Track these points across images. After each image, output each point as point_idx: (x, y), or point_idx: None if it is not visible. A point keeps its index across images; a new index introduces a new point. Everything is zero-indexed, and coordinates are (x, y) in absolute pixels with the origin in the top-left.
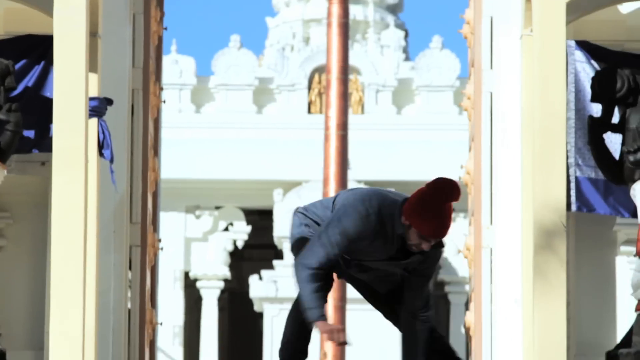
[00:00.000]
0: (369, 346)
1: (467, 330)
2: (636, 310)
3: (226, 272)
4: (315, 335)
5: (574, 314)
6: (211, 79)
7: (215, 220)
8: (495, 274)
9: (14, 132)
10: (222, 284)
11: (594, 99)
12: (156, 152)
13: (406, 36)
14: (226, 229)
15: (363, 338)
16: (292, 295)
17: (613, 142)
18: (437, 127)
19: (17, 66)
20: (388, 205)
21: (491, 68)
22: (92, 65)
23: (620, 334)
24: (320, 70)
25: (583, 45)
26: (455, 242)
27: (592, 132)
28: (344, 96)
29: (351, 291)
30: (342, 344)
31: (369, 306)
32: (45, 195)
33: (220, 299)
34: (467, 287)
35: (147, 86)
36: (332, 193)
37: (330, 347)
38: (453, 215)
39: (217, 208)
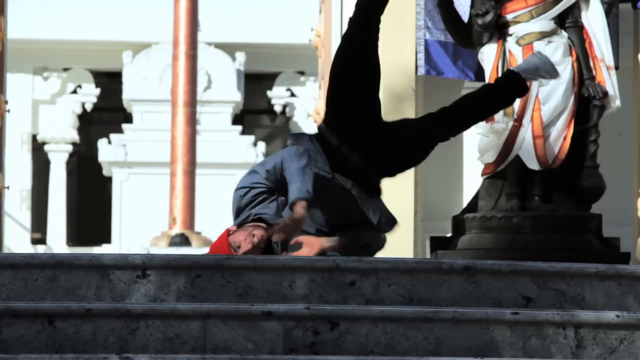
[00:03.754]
0: (218, 211)
1: None
2: (482, 175)
3: (74, 136)
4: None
5: (421, 179)
6: None
7: (64, 82)
8: None
9: None
10: (70, 148)
11: None
12: (2, 11)
13: None
14: (74, 92)
15: (211, 202)
16: (141, 159)
17: (462, 4)
18: None
19: None
20: None
21: None
22: None
23: (467, 198)
24: None
25: None
26: (305, 106)
27: None
28: None
29: (201, 155)
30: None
31: (219, 170)
32: None
33: (68, 163)
34: None
35: None
36: (182, 55)
37: (179, 212)
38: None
39: (65, 70)
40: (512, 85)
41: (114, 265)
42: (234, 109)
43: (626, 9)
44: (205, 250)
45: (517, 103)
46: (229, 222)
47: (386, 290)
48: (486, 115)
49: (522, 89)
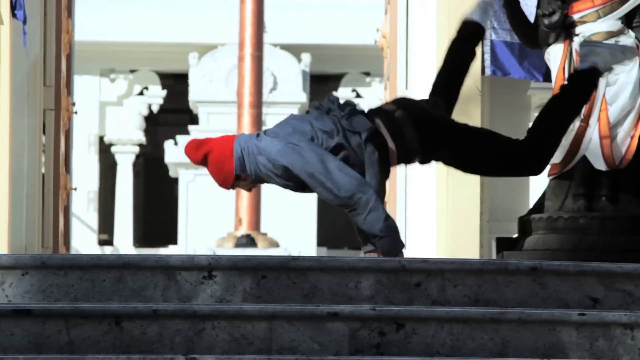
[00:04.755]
0: (283, 212)
1: None
2: (549, 175)
3: (141, 137)
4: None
5: (487, 180)
6: None
7: (130, 84)
8: None
9: None
10: (137, 149)
11: None
12: (70, 13)
13: None
14: (141, 93)
15: (277, 203)
16: None
17: (528, 4)
18: None
19: None
20: None
21: None
22: None
23: (533, 199)
24: None
25: None
26: (371, 106)
27: None
28: None
29: None
30: None
31: None
32: None
33: (135, 164)
34: None
35: None
36: (248, 57)
37: (245, 214)
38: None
39: (132, 71)
40: (586, 77)
41: (180, 266)
42: (300, 110)
43: None
44: (270, 251)
45: None
46: (294, 223)
47: (452, 291)
48: (573, 113)
49: (594, 77)
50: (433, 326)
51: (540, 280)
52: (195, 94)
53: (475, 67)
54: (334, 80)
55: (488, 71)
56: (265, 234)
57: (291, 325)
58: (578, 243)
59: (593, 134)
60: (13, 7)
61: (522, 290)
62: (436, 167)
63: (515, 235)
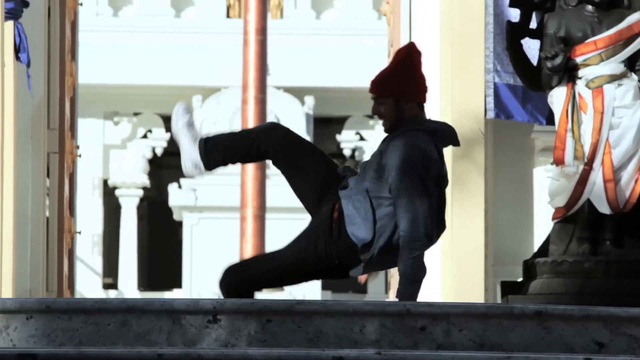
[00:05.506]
0: None
1: None
2: (553, 219)
3: (145, 180)
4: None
5: (491, 223)
6: None
7: (134, 127)
8: None
9: None
10: (141, 192)
11: (512, 4)
12: (73, 57)
13: None
14: (145, 136)
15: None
16: (211, 203)
17: (531, 48)
18: (356, 32)
19: None
20: None
21: None
22: None
23: (537, 243)
24: None
25: None
26: (375, 149)
27: (510, 37)
28: (263, 0)
29: (271, 199)
30: None
31: (289, 215)
32: None
33: (139, 208)
34: None
35: None
36: (251, 99)
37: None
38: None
39: (136, 114)
40: None
41: (185, 310)
42: None
43: None
44: (275, 295)
45: (588, 146)
46: None
47: (457, 335)
48: None
49: None
50: None
51: (545, 324)
52: None
53: (478, 109)
54: (338, 123)
55: (491, 114)
56: None
57: None
58: (583, 287)
59: (597, 177)
60: (17, 50)
61: (527, 334)
62: None
63: (520, 279)
